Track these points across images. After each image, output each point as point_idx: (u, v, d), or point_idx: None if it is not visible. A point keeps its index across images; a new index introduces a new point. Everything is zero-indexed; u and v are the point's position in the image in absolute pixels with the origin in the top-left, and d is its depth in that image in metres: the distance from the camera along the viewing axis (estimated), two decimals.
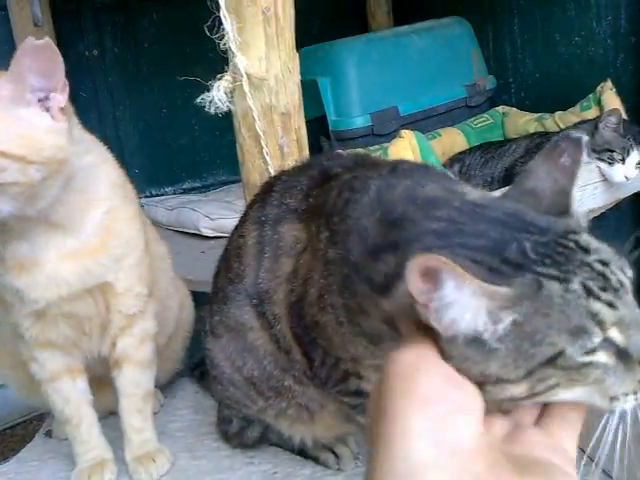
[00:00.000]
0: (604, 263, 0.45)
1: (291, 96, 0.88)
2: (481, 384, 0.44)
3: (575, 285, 0.43)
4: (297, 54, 0.88)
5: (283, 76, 0.86)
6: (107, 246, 0.75)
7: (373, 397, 0.44)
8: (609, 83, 1.50)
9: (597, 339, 0.43)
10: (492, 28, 1.92)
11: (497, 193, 1.01)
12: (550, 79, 1.78)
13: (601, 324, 0.43)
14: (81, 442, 0.85)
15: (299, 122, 0.92)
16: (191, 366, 1.12)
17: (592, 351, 0.43)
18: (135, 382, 0.86)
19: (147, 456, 0.86)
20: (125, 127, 1.77)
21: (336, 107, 1.62)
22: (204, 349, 0.83)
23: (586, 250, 0.45)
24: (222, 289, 0.79)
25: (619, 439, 0.46)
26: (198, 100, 0.85)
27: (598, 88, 1.53)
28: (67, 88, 0.66)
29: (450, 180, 0.62)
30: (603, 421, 0.46)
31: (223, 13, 0.79)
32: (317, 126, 1.63)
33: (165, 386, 1.06)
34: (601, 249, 0.46)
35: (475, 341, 0.43)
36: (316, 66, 1.58)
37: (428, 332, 0.45)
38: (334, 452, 0.83)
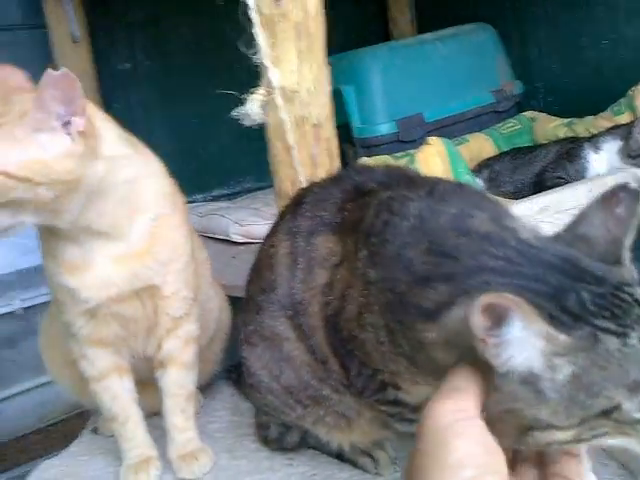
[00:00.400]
0: None
1: (322, 107, 0.91)
2: (528, 429, 0.46)
3: (633, 340, 0.44)
4: (328, 66, 0.90)
5: (315, 88, 0.88)
6: (154, 251, 0.79)
7: (412, 455, 0.47)
8: None
9: None
10: (517, 33, 1.91)
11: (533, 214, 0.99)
12: (579, 83, 1.77)
13: None
14: (127, 439, 0.88)
15: (330, 132, 0.94)
16: (227, 369, 1.14)
17: None
18: (179, 383, 0.88)
19: (190, 455, 0.88)
20: (157, 137, 1.80)
21: (361, 115, 1.63)
22: (240, 357, 0.84)
23: None
24: (253, 298, 0.80)
25: None
26: (233, 113, 0.88)
27: (629, 92, 1.51)
28: (86, 112, 0.69)
29: (495, 207, 0.62)
30: None
31: (256, 29, 0.82)
32: (341, 133, 1.65)
33: (204, 388, 1.08)
34: None
35: (529, 382, 0.45)
36: (340, 75, 1.59)
37: (473, 364, 0.47)
38: (372, 456, 0.83)
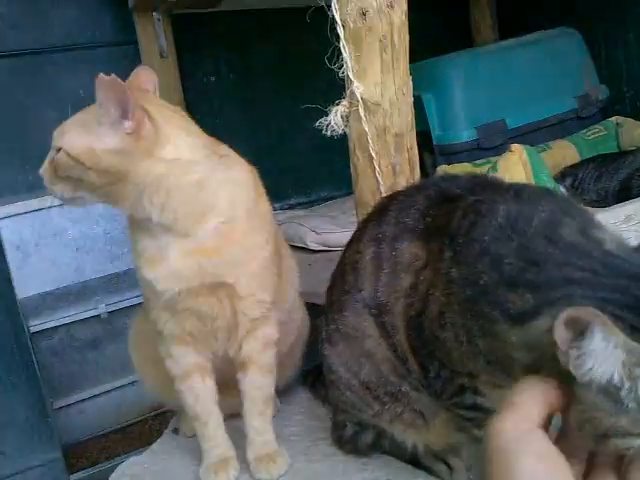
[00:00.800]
0: None
1: (404, 117, 0.92)
2: (606, 436, 0.47)
3: None
4: (410, 77, 0.91)
5: (397, 99, 0.89)
6: (222, 250, 0.82)
7: (482, 469, 0.49)
8: None
9: None
10: (603, 36, 1.85)
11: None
12: None
13: None
14: (208, 439, 0.91)
15: (411, 142, 0.95)
16: (303, 374, 1.15)
17: None
18: (258, 385, 0.90)
19: (268, 457, 0.89)
20: (238, 147, 1.86)
21: (441, 121, 1.62)
22: (321, 355, 0.86)
23: None
24: (337, 299, 0.82)
25: None
26: (316, 124, 0.90)
27: None
28: (137, 117, 0.75)
29: (583, 214, 0.63)
30: None
31: (342, 43, 0.84)
32: (419, 141, 1.65)
33: (281, 392, 1.10)
34: None
35: (609, 392, 0.47)
36: (420, 82, 1.58)
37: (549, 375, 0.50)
38: (446, 463, 0.83)
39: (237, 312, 0.87)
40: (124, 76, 0.80)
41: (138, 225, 0.83)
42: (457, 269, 0.64)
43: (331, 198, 1.99)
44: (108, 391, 1.71)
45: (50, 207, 0.83)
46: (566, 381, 0.49)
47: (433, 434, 0.81)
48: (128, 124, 0.75)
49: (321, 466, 0.91)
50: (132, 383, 1.65)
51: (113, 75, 0.73)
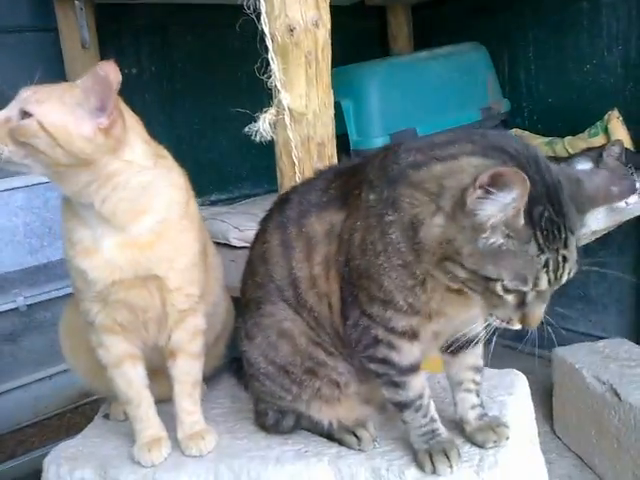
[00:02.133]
0: (565, 260, 0.67)
1: (326, 128, 1.00)
2: (448, 257, 0.67)
3: (542, 256, 0.66)
4: (332, 91, 0.99)
5: (320, 111, 0.97)
6: (155, 246, 0.87)
7: None
8: (616, 112, 1.58)
9: (526, 289, 0.66)
10: (508, 54, 2.01)
11: None
12: (562, 104, 1.87)
13: (535, 286, 0.66)
14: (141, 421, 0.96)
15: (332, 150, 1.03)
16: (230, 361, 1.21)
17: (520, 293, 0.67)
18: (187, 371, 0.96)
19: (197, 434, 0.96)
20: (159, 141, 1.86)
21: (357, 127, 1.70)
22: (241, 352, 0.93)
23: (566, 247, 0.67)
24: (252, 298, 0.90)
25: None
26: (245, 130, 0.96)
27: (605, 116, 1.61)
28: (113, 116, 0.79)
29: None
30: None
31: (271, 55, 0.90)
32: (339, 143, 1.72)
33: (208, 379, 1.16)
34: (573, 254, 0.68)
35: (476, 229, 0.64)
36: (339, 88, 1.65)
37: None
38: (356, 435, 0.92)
39: (166, 304, 0.92)
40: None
41: (74, 214, 0.86)
42: (373, 193, 0.75)
43: (252, 195, 2.03)
44: (25, 384, 1.67)
45: None
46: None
47: (345, 408, 0.90)
48: (103, 120, 0.78)
49: (246, 442, 0.98)
50: (50, 377, 1.63)
51: (111, 65, 0.75)
